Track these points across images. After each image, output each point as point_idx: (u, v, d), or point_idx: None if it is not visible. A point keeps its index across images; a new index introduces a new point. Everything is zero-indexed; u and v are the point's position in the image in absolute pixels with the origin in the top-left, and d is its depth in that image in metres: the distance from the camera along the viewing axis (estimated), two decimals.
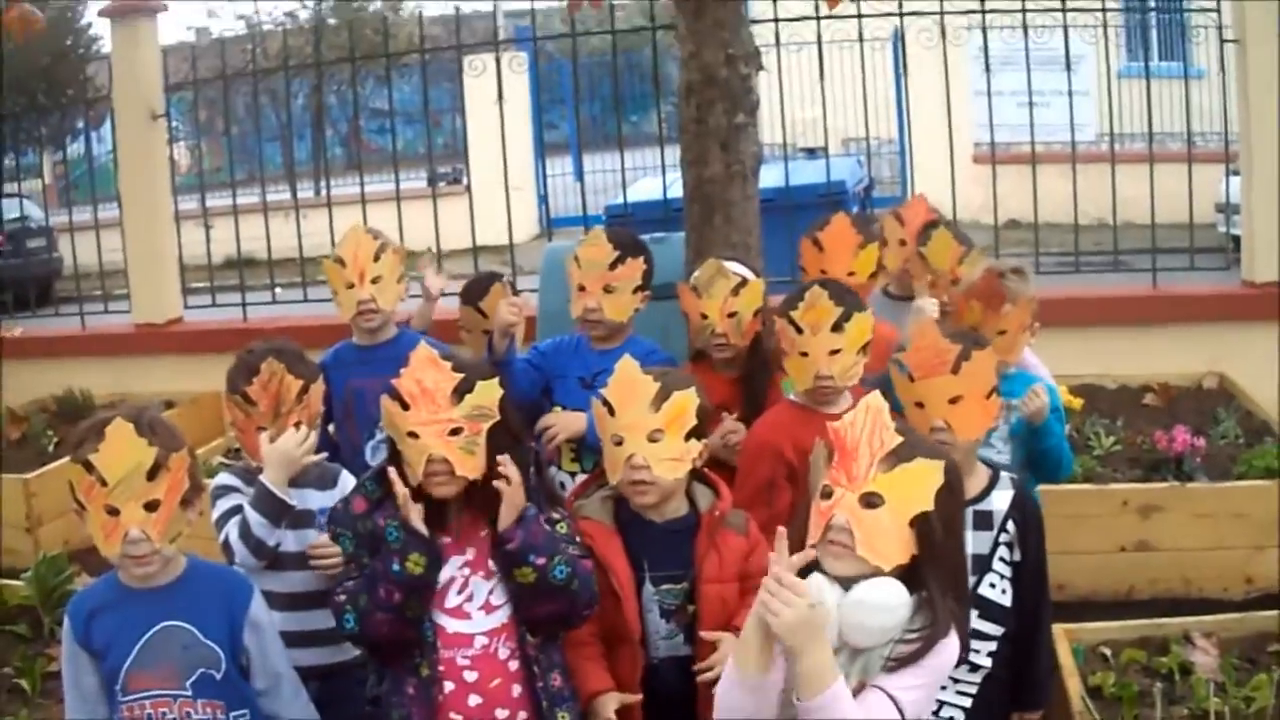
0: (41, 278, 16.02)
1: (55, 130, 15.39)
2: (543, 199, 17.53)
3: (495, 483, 3.44)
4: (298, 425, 4.08)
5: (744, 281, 4.96)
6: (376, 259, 5.26)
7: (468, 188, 10.51)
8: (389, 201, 9.52)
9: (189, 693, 3.36)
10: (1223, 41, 8.77)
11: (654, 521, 3.85)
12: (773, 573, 2.78)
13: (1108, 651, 4.88)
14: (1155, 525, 6.29)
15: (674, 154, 6.38)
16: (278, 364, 4.10)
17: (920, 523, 2.92)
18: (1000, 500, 3.86)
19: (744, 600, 3.74)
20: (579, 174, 10.52)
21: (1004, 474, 3.95)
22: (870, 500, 2.91)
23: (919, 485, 2.92)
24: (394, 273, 5.33)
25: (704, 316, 4.92)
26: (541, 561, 3.49)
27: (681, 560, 3.81)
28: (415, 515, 3.44)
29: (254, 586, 3.62)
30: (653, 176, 11.22)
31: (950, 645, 2.97)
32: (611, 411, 3.77)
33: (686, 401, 3.76)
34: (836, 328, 4.31)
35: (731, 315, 4.91)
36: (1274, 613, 5.12)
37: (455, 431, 3.47)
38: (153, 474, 3.28)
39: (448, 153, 19.57)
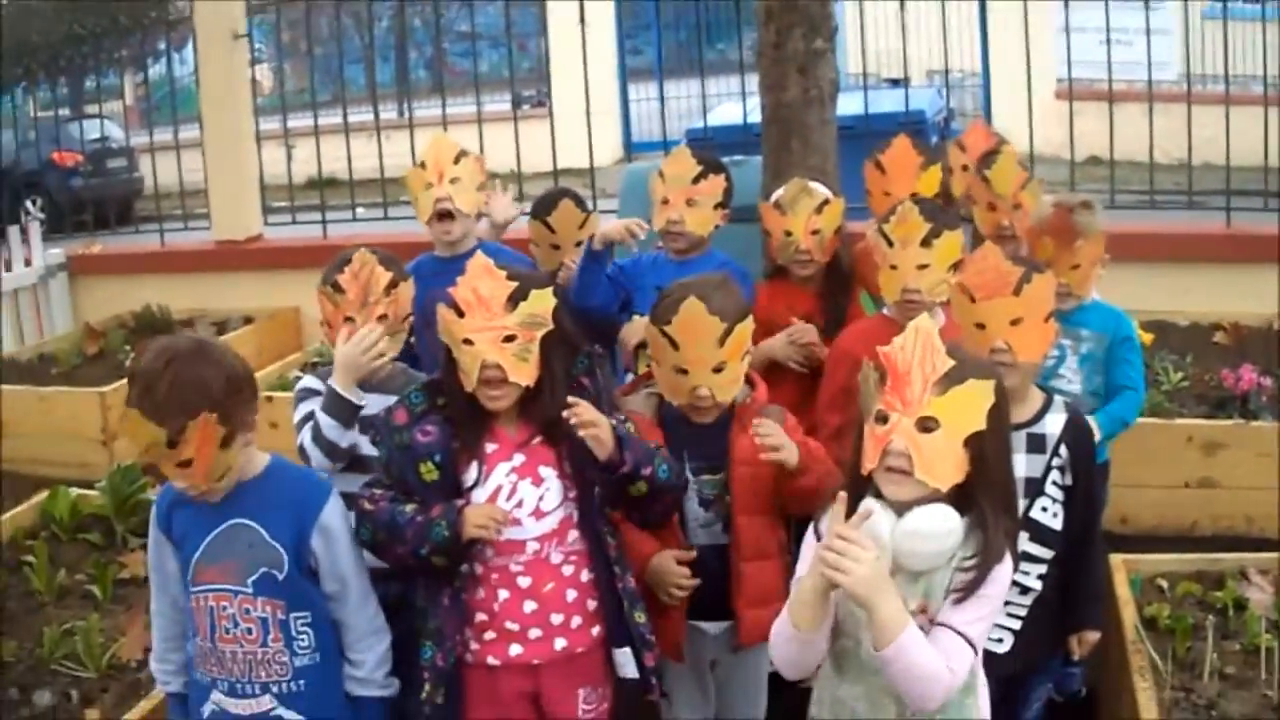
0: (121, 197, 16.07)
1: (136, 51, 15.50)
2: (625, 122, 17.56)
3: (580, 432, 3.46)
4: (382, 318, 4.14)
5: (827, 200, 5.06)
6: (456, 162, 5.29)
7: (550, 111, 10.54)
8: (471, 124, 9.58)
9: (249, 590, 3.40)
10: None
11: None
12: (836, 531, 2.86)
13: (1164, 584, 4.90)
14: (1219, 462, 6.31)
15: (755, 80, 6.41)
16: (369, 255, 4.17)
17: (974, 442, 2.97)
18: (1053, 424, 3.88)
19: (777, 485, 3.88)
20: (661, 98, 10.55)
21: (1057, 398, 3.97)
22: (926, 424, 2.96)
23: (972, 405, 2.98)
24: (473, 178, 5.35)
25: (788, 234, 5.00)
26: (649, 471, 3.59)
27: (720, 452, 3.92)
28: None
29: (331, 492, 3.59)
30: (733, 101, 11.20)
31: (1005, 569, 3.04)
32: (675, 346, 3.84)
33: (746, 333, 3.89)
34: (925, 243, 4.38)
35: (815, 232, 5.00)
36: None
37: (509, 339, 3.53)
38: (173, 443, 3.25)
39: (532, 76, 19.55)
